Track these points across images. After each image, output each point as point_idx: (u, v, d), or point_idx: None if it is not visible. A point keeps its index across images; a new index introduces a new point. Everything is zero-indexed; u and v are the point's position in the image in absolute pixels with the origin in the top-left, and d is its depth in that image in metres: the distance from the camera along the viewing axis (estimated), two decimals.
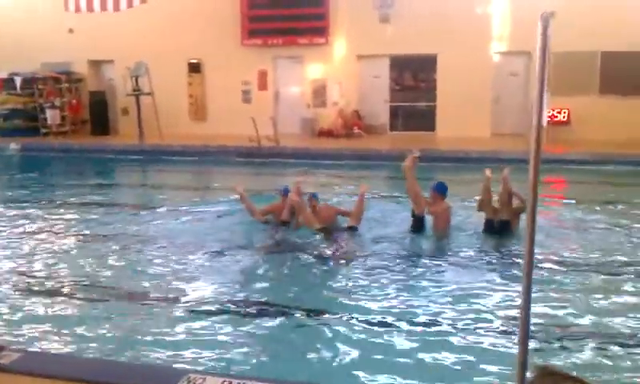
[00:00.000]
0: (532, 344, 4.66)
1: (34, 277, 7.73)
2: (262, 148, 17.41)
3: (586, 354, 5.45)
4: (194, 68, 21.26)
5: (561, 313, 6.32)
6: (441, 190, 9.16)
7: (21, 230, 10.10)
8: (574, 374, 1.18)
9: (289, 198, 9.37)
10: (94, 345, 5.75)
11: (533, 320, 4.43)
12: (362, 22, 19.32)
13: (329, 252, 8.41)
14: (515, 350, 3.06)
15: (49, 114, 21.04)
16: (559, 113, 17.38)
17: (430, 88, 19.65)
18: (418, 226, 8.99)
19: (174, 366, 5.23)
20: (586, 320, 6.14)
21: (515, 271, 7.28)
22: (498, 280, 7.27)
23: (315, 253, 8.36)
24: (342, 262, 8.10)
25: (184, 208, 11.50)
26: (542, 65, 3.17)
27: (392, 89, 20.23)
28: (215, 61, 20.75)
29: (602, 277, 7.42)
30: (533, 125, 3.21)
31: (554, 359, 5.29)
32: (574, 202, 11.59)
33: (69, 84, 21.87)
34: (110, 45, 21.11)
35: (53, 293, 7.17)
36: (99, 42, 21.21)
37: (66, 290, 7.25)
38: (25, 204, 12.05)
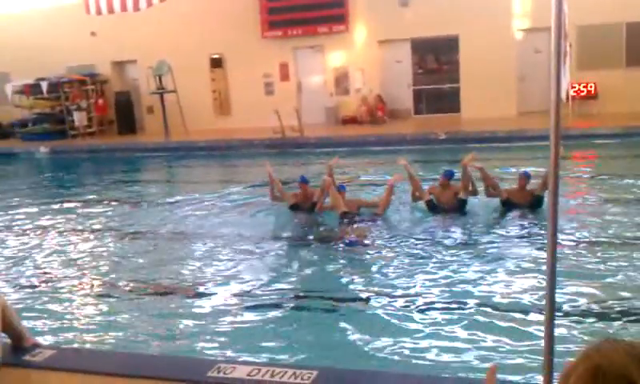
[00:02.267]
0: (559, 322, 4.63)
1: (67, 274, 7.88)
2: (287, 139, 17.44)
3: (615, 332, 5.38)
4: (216, 63, 21.35)
5: (589, 290, 6.24)
6: (448, 176, 9.28)
7: (54, 229, 10.29)
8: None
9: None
10: (124, 339, 5.86)
11: (559, 298, 4.40)
12: (382, 6, 19.17)
13: (353, 238, 8.39)
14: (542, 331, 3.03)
15: (76, 116, 21.33)
16: (585, 87, 17.07)
17: (453, 69, 19.43)
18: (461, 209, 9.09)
19: (204, 356, 5.30)
20: (616, 296, 6.05)
21: (539, 252, 7.18)
22: (521, 259, 7.20)
23: (340, 240, 8.37)
24: (366, 247, 8.07)
25: (211, 202, 11.60)
26: (557, 39, 3.12)
27: (415, 72, 20.06)
28: (237, 55, 20.81)
29: (632, 252, 7.30)
30: (552, 100, 3.18)
31: (581, 336, 5.24)
32: (602, 176, 11.41)
33: (94, 85, 22.14)
34: (131, 45, 21.30)
35: (85, 290, 7.33)
36: (121, 43, 21.42)
37: (96, 287, 7.41)
38: (57, 205, 12.28)
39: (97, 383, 4.43)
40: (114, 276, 7.75)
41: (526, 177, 9.15)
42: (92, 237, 9.74)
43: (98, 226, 10.37)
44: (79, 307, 6.78)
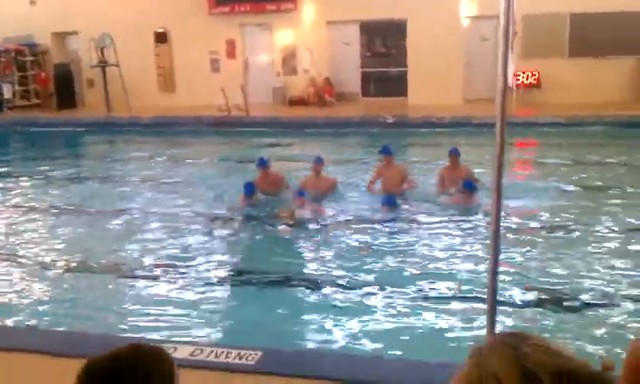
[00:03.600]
0: (502, 309, 4.73)
1: (6, 254, 7.62)
2: (232, 118, 17.23)
3: (553, 315, 5.54)
4: (161, 38, 20.85)
5: (529, 274, 6.41)
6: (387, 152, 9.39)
7: None
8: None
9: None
10: (62, 319, 5.72)
11: (501, 283, 4.49)
12: None
13: (306, 222, 8.35)
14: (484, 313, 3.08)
15: (5, 88, 20.48)
16: (532, 75, 17.43)
17: (400, 53, 19.52)
18: None
19: (145, 336, 5.20)
20: (554, 280, 6.22)
21: (481, 236, 7.32)
22: (463, 242, 7.34)
23: (292, 223, 8.30)
24: (317, 230, 8.04)
25: (153, 180, 11.39)
26: (505, 28, 3.15)
27: (363, 55, 20.07)
28: (182, 30, 20.37)
29: (571, 237, 7.53)
30: (497, 89, 3.20)
31: (523, 319, 5.38)
32: (544, 163, 11.71)
33: (33, 57, 21.33)
34: (73, 16, 20.57)
35: (19, 268, 7.10)
36: (62, 14, 20.65)
37: (31, 265, 7.19)
38: None
39: (32, 361, 4.31)
40: (50, 255, 7.53)
41: (456, 154, 9.34)
42: (28, 214, 9.42)
43: (34, 203, 10.05)
44: (13, 286, 6.56)
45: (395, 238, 7.64)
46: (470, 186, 8.62)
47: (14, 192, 10.94)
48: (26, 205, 9.99)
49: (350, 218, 8.44)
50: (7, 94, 20.45)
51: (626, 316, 5.41)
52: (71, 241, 8.05)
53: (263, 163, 9.49)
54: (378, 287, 6.14)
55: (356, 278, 6.41)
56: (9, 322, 5.66)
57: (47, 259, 7.37)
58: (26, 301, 6.16)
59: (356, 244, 7.40)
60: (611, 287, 6.02)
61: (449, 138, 14.20)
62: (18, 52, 20.98)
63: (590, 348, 4.76)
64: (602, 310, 5.59)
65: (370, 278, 6.39)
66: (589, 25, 17.33)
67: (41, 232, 8.49)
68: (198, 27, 20.06)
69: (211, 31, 20.06)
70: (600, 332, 5.11)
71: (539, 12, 17.22)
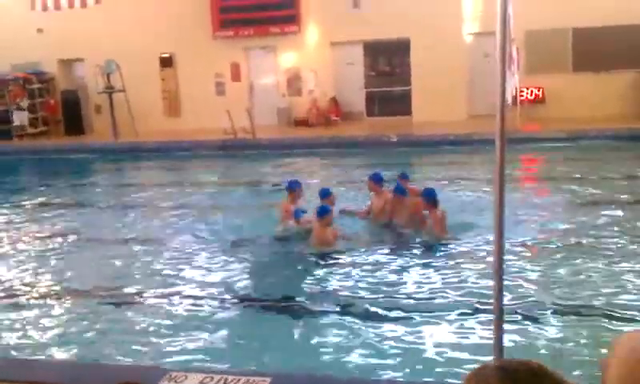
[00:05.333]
0: (508, 327, 4.70)
1: (11, 282, 7.63)
2: (238, 140, 17.31)
3: (558, 329, 5.51)
4: (166, 62, 21.03)
5: (536, 289, 6.38)
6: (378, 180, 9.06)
7: None
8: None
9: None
10: (73, 348, 5.71)
11: (507, 300, 4.46)
12: (334, 8, 19.19)
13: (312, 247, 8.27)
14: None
15: (15, 115, 20.61)
16: (537, 90, 17.45)
17: (404, 73, 19.61)
18: None
19: (155, 364, 5.19)
20: (561, 297, 6.18)
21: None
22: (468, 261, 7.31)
23: (298, 247, 8.23)
24: (327, 254, 7.94)
25: (161, 205, 11.42)
26: (502, 44, 3.16)
27: (367, 75, 20.17)
28: (187, 54, 20.54)
29: (578, 253, 7.49)
30: (497, 105, 3.22)
31: (529, 335, 5.35)
32: (549, 179, 11.69)
33: (41, 84, 21.53)
34: (79, 43, 20.77)
35: (31, 297, 7.08)
36: (69, 41, 20.85)
37: (43, 294, 7.17)
38: None
39: None
40: (59, 283, 7.52)
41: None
42: (37, 242, 9.44)
43: (43, 231, 10.07)
44: (23, 316, 6.54)
45: (402, 259, 7.58)
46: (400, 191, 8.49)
47: (22, 219, 10.99)
48: (34, 232, 10.02)
49: (359, 240, 8.36)
50: (17, 122, 20.60)
51: (630, 327, 5.37)
52: (78, 268, 8.05)
53: (292, 186, 9.04)
54: (389, 311, 6.10)
55: (368, 301, 6.36)
56: (17, 354, 5.64)
57: (56, 288, 7.36)
58: (31, 331, 6.14)
59: (368, 267, 7.35)
60: (615, 299, 5.99)
61: (453, 155, 14.26)
62: (25, 80, 21.18)
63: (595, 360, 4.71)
64: (607, 321, 5.55)
65: (382, 301, 6.34)
66: (591, 39, 17.36)
67: (48, 261, 8.48)
68: (203, 51, 20.22)
69: (216, 54, 20.22)
70: (604, 342, 5.07)
71: (541, 28, 17.30)
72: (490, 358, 3.66)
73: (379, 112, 20.07)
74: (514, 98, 15.48)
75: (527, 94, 17.29)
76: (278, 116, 20.16)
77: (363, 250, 7.90)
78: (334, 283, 6.95)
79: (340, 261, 7.56)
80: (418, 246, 7.94)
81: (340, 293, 6.62)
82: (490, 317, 3.60)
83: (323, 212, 7.85)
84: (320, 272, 7.34)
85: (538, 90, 17.57)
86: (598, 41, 17.31)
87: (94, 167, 17.11)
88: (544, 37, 17.55)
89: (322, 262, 7.58)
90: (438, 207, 8.08)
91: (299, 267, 7.58)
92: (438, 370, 4.91)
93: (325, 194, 8.80)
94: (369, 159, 14.88)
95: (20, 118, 20.66)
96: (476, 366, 1.25)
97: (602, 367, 1.37)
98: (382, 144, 16.04)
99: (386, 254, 7.71)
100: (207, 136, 17.71)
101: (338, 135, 17.33)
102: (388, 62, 20.45)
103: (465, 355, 5.07)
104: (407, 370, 4.92)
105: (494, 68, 3.25)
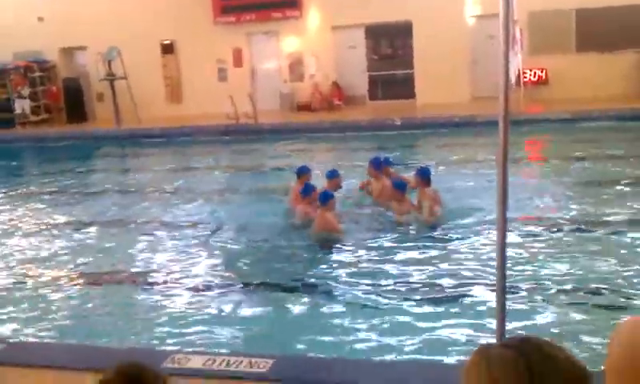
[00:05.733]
0: (511, 304, 4.71)
1: (16, 266, 7.68)
2: (241, 126, 17.29)
3: (562, 310, 5.51)
4: (168, 49, 20.97)
5: (538, 270, 6.39)
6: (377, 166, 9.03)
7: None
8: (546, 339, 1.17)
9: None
10: (77, 331, 5.75)
11: (509, 282, 4.47)
12: None
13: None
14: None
15: (17, 103, 20.58)
16: (540, 71, 17.36)
17: (407, 55, 19.50)
18: None
19: (159, 347, 5.23)
20: (563, 277, 6.19)
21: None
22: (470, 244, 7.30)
23: (302, 232, 8.19)
24: (329, 238, 7.94)
25: (164, 191, 11.44)
26: (505, 25, 3.14)
27: (369, 58, 20.08)
28: (189, 40, 20.47)
29: (581, 233, 7.48)
30: (500, 87, 3.20)
31: (531, 315, 5.36)
32: (553, 160, 11.66)
33: (42, 72, 21.51)
34: (80, 31, 20.71)
35: (36, 281, 7.13)
36: (70, 29, 20.80)
37: (47, 278, 7.21)
38: (1, 195, 11.93)
39: (50, 377, 4.33)
40: (65, 267, 7.57)
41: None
42: (42, 228, 9.48)
43: (47, 217, 10.11)
44: (30, 300, 6.59)
45: (403, 243, 7.57)
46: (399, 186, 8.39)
47: (26, 206, 11.02)
48: (38, 219, 10.06)
49: (360, 224, 8.36)
50: (19, 110, 20.59)
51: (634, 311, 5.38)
52: (84, 254, 8.08)
53: (302, 171, 8.99)
54: (389, 293, 6.12)
55: (369, 285, 6.38)
56: (22, 337, 5.68)
57: (61, 273, 7.40)
58: (37, 315, 6.18)
59: (367, 251, 7.35)
60: (624, 283, 5.99)
61: (457, 137, 14.23)
62: (27, 68, 21.16)
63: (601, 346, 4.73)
64: (613, 306, 5.55)
65: (384, 285, 6.36)
66: (594, 20, 17.24)
67: (53, 246, 8.52)
68: (205, 37, 20.16)
69: (217, 40, 20.15)
70: (608, 327, 5.07)
71: (544, 8, 17.19)
72: (492, 339, 3.68)
73: (382, 96, 20.00)
74: (517, 79, 15.41)
75: (530, 75, 17.20)
76: (281, 101, 20.11)
77: (365, 234, 7.88)
78: (336, 268, 6.95)
79: (342, 246, 7.56)
80: (419, 229, 7.91)
81: (342, 277, 6.64)
82: (493, 299, 3.61)
83: (325, 198, 7.84)
84: (322, 257, 7.35)
85: (542, 72, 17.47)
86: (601, 21, 17.18)
87: (97, 154, 17.11)
88: (547, 18, 17.43)
89: (325, 247, 7.58)
90: (429, 186, 8.16)
91: (302, 252, 7.59)
92: (440, 350, 4.92)
93: (332, 175, 8.81)
94: (372, 143, 14.86)
95: (21, 106, 20.64)
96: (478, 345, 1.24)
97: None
98: (385, 127, 16.00)
99: (388, 239, 7.69)
100: (210, 122, 17.68)
101: (340, 119, 17.30)
102: (390, 45, 20.35)
103: (466, 337, 5.08)
104: (409, 351, 4.94)
105: (497, 50, 3.23)
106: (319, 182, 8.99)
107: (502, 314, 3.37)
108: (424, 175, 8.35)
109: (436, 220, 8.01)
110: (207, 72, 20.37)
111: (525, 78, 16.62)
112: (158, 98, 20.81)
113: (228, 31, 20.14)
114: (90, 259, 7.82)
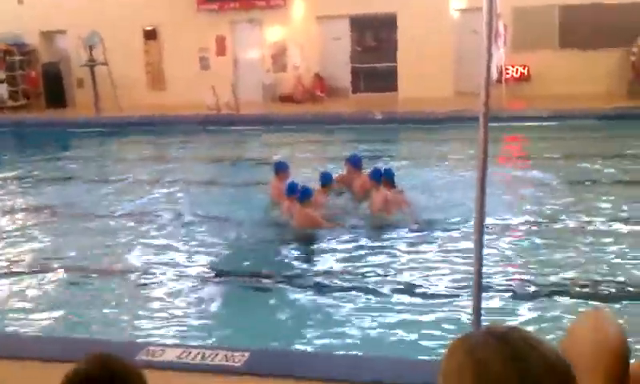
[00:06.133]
0: (487, 304, 4.72)
1: None
2: (222, 116, 17.16)
3: (539, 307, 5.53)
4: (150, 35, 20.76)
5: (516, 268, 6.41)
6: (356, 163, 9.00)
7: None
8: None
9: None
10: (50, 322, 5.67)
11: (486, 279, 4.46)
12: None
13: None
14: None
15: None
16: (522, 68, 17.42)
17: (390, 48, 19.47)
18: None
19: (133, 339, 5.18)
20: (542, 275, 6.21)
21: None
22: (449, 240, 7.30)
23: (280, 226, 8.15)
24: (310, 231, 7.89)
25: (142, 180, 11.33)
26: (488, 21, 3.11)
27: (353, 50, 20.03)
28: (171, 27, 20.26)
29: (560, 232, 7.52)
30: (482, 83, 3.17)
31: (508, 313, 5.37)
32: (533, 157, 11.71)
33: (21, 56, 21.18)
34: (61, 15, 20.40)
35: (10, 272, 7.02)
36: (50, 12, 20.49)
37: (21, 269, 7.11)
38: None
39: (20, 368, 4.26)
40: (41, 256, 7.48)
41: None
42: (18, 216, 9.35)
43: (23, 205, 9.97)
44: (2, 290, 6.49)
45: (383, 239, 7.56)
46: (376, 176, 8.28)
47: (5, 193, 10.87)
48: (16, 205, 9.92)
49: (340, 221, 8.28)
50: None
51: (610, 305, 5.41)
52: (61, 243, 7.98)
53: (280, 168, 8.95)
54: (367, 288, 6.10)
55: (344, 278, 6.37)
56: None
57: (36, 262, 7.30)
58: (9, 306, 6.10)
59: (348, 246, 7.31)
60: (596, 278, 6.04)
61: (438, 133, 14.25)
62: (6, 52, 20.81)
63: None
64: (586, 301, 5.59)
65: (361, 280, 6.34)
66: (578, 16, 17.32)
67: (29, 235, 8.40)
68: (187, 24, 19.95)
69: (201, 28, 19.97)
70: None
71: (528, 4, 17.24)
72: None
73: (365, 88, 19.96)
74: (500, 75, 15.44)
75: (513, 71, 17.25)
76: (263, 91, 20.00)
77: (344, 230, 7.81)
78: (313, 262, 6.95)
79: (320, 241, 7.51)
80: (397, 227, 7.87)
81: (319, 272, 6.63)
82: (469, 296, 3.60)
83: (304, 196, 7.76)
84: (300, 252, 7.31)
85: (524, 68, 17.53)
86: (585, 18, 17.25)
87: (75, 141, 16.88)
88: (531, 13, 17.48)
89: (303, 242, 7.52)
90: (380, 186, 8.04)
91: (279, 246, 7.54)
92: (415, 345, 4.92)
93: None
94: (354, 135, 14.83)
95: None
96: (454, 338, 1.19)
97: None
98: (366, 121, 15.96)
99: (366, 235, 7.64)
100: (191, 111, 17.52)
101: (322, 112, 17.23)
102: (374, 37, 20.30)
103: (442, 332, 5.07)
104: (384, 346, 4.93)
105: (481, 45, 3.20)
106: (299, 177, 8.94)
107: (477, 311, 3.36)
108: (380, 175, 8.24)
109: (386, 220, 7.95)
110: (190, 60, 20.18)
111: (507, 74, 16.66)
112: (139, 85, 20.58)
113: (211, 19, 19.97)
114: (65, 249, 7.72)
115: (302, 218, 7.71)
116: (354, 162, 9.00)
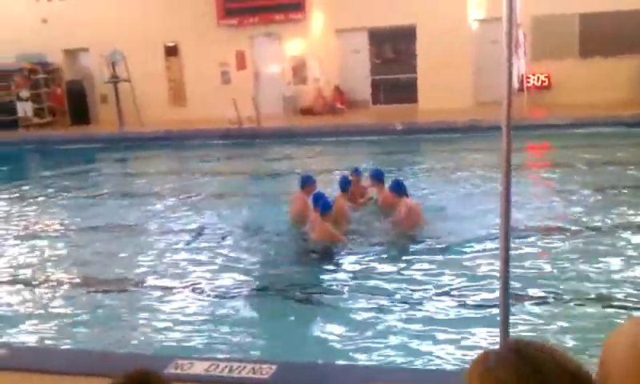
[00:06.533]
0: (516, 310, 4.69)
1: (17, 271, 7.66)
2: (244, 129, 17.29)
3: (564, 316, 5.48)
4: (171, 51, 21.01)
5: (541, 276, 6.36)
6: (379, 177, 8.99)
7: (1, 224, 10.00)
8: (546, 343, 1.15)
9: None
10: (79, 337, 5.73)
11: (514, 288, 4.44)
12: None
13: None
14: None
15: (19, 106, 20.52)
16: (544, 76, 17.34)
17: (410, 60, 19.51)
18: None
19: (162, 352, 5.21)
20: (567, 282, 6.17)
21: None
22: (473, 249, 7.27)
23: (302, 239, 8.14)
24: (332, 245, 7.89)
25: (167, 194, 11.43)
26: (508, 30, 3.13)
27: (372, 62, 20.08)
28: (192, 43, 20.50)
29: (586, 240, 7.45)
30: (504, 92, 3.19)
31: (535, 320, 5.33)
32: (556, 166, 11.63)
33: (45, 74, 21.54)
34: (84, 33, 20.74)
35: (38, 287, 7.11)
36: (73, 31, 20.83)
37: (49, 284, 7.19)
38: (3, 199, 11.94)
39: (52, 382, 4.31)
40: (67, 272, 7.55)
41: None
42: (45, 232, 9.47)
43: (49, 221, 10.11)
44: (32, 305, 6.58)
45: (407, 251, 7.55)
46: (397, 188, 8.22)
47: (27, 210, 11.03)
48: (40, 223, 10.06)
49: (361, 234, 8.28)
50: (21, 112, 20.57)
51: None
52: (86, 258, 8.07)
53: (306, 182, 8.81)
54: (393, 301, 6.09)
55: (372, 292, 6.34)
56: (21, 342, 5.67)
57: (64, 277, 7.39)
58: (39, 320, 6.16)
59: (370, 259, 7.31)
60: (620, 286, 5.97)
61: (459, 143, 14.22)
62: (30, 71, 21.18)
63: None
64: (613, 309, 5.53)
65: (385, 292, 6.32)
66: (598, 24, 17.22)
67: (56, 250, 8.52)
68: (208, 39, 20.16)
69: (221, 43, 20.16)
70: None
71: (548, 13, 17.18)
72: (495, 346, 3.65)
73: (385, 100, 19.99)
74: (521, 84, 15.39)
75: (534, 80, 17.18)
76: (284, 104, 20.12)
77: (365, 243, 7.81)
78: (337, 275, 6.92)
79: (346, 253, 7.51)
80: (422, 236, 7.86)
81: (344, 284, 6.61)
82: (496, 307, 3.59)
83: (325, 209, 7.71)
84: (326, 264, 7.30)
85: (545, 76, 17.46)
86: (605, 26, 17.17)
87: (100, 157, 17.12)
88: (551, 22, 17.43)
89: (328, 255, 7.51)
90: (404, 197, 8.05)
91: (307, 259, 7.56)
92: (443, 358, 4.90)
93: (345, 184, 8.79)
94: (375, 148, 14.85)
95: (23, 109, 20.61)
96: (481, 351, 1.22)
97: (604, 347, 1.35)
98: (387, 132, 15.97)
99: (388, 249, 7.63)
100: (213, 125, 17.68)
101: (343, 123, 17.28)
102: (394, 50, 20.34)
103: (469, 344, 5.05)
104: (412, 359, 4.91)
105: (500, 55, 3.21)
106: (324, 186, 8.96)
107: (505, 322, 3.35)
108: (400, 186, 8.22)
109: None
110: (210, 75, 20.38)
111: (528, 82, 16.59)
112: (161, 101, 20.83)
113: (231, 34, 20.16)
114: (92, 263, 7.80)
115: (321, 232, 7.70)
116: (377, 176, 8.99)
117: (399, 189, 8.12)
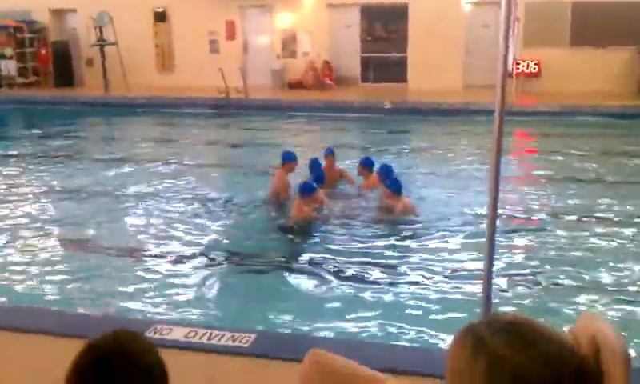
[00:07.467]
0: (498, 294, 4.73)
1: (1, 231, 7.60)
2: (231, 100, 17.17)
3: (545, 301, 5.56)
4: (160, 17, 20.73)
5: (525, 262, 6.42)
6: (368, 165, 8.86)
7: None
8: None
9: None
10: (60, 298, 5.71)
11: (497, 271, 4.49)
12: None
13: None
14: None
15: (2, 64, 20.24)
16: (533, 63, 17.36)
17: (401, 38, 19.44)
18: None
19: (141, 317, 5.22)
20: (551, 269, 6.23)
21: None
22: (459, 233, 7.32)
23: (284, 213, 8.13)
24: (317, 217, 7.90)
25: (150, 161, 11.36)
26: (507, 15, 3.12)
27: (363, 39, 19.98)
28: (181, 9, 20.24)
29: (568, 227, 7.53)
30: (497, 76, 3.18)
31: (517, 304, 5.40)
32: (543, 153, 11.70)
33: (31, 34, 21.17)
34: None
35: (21, 247, 7.06)
36: None
37: (33, 244, 7.14)
38: None
39: (32, 342, 4.30)
40: (48, 234, 7.49)
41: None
42: (26, 193, 9.38)
43: (32, 182, 10.01)
44: (15, 264, 6.54)
45: (390, 228, 7.57)
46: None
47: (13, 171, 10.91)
48: (18, 184, 9.96)
49: (347, 206, 8.30)
50: (4, 71, 20.24)
51: (616, 304, 5.43)
52: (69, 221, 8.02)
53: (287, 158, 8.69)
54: (373, 275, 6.13)
55: (352, 265, 6.38)
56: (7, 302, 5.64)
57: (45, 239, 7.33)
58: (23, 281, 6.13)
59: (353, 233, 7.32)
60: (610, 276, 6.05)
61: (447, 125, 14.24)
62: (16, 29, 20.80)
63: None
64: (595, 297, 5.61)
65: (366, 265, 6.36)
66: (590, 14, 17.24)
67: (34, 211, 8.44)
68: (198, 7, 19.93)
69: (211, 11, 19.94)
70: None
71: (540, 0, 17.16)
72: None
73: (374, 78, 19.93)
74: (510, 70, 15.39)
75: (523, 67, 17.19)
76: (272, 77, 19.98)
77: (347, 224, 7.72)
78: (318, 248, 6.93)
79: (323, 229, 7.51)
80: (402, 219, 7.85)
81: (324, 259, 6.61)
82: (479, 286, 3.61)
83: (306, 192, 7.57)
84: (304, 238, 7.30)
85: (535, 64, 17.48)
86: (597, 16, 17.19)
87: (83, 120, 16.91)
88: (543, 9, 17.41)
89: (306, 229, 7.51)
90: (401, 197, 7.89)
91: (284, 232, 7.53)
92: (423, 334, 4.95)
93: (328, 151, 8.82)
94: (362, 125, 14.83)
95: (7, 67, 20.28)
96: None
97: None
98: (375, 110, 15.95)
99: (371, 227, 7.58)
100: (200, 93, 17.54)
101: (331, 100, 17.21)
102: (385, 27, 20.24)
103: (449, 321, 5.10)
104: (390, 333, 4.96)
105: (491, 39, 3.21)
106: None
107: (487, 301, 3.38)
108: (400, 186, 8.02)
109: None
110: (199, 43, 20.17)
111: (518, 69, 16.61)
112: (148, 67, 20.60)
113: (221, 3, 19.92)
114: (70, 226, 7.77)
115: (298, 211, 7.64)
116: (367, 165, 8.88)
117: (397, 188, 8.02)
